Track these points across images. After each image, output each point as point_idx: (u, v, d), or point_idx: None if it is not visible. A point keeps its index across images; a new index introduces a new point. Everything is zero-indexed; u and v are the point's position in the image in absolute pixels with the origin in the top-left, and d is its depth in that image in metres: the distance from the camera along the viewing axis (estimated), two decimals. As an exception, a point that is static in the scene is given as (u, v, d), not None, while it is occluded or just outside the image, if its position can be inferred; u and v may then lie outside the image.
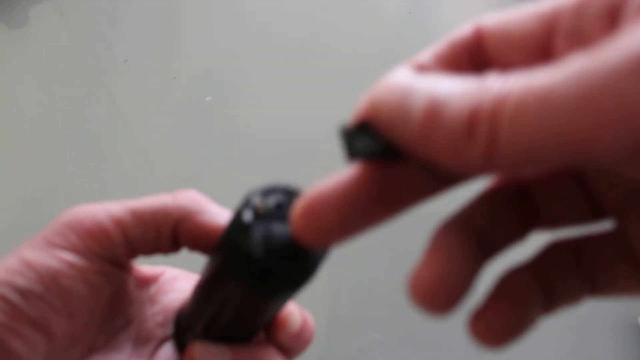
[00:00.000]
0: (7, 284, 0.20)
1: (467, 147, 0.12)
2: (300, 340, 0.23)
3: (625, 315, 0.79)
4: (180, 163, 0.89)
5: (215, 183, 0.85)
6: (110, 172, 0.88)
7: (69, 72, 0.99)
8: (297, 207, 0.14)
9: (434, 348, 0.77)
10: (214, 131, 0.93)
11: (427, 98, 0.13)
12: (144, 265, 0.25)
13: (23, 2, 1.06)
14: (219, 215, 0.22)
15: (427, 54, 0.17)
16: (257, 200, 0.18)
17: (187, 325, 0.23)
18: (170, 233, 0.22)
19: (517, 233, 0.16)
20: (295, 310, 0.23)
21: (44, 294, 0.20)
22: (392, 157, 0.14)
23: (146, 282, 0.25)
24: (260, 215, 0.17)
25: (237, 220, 0.17)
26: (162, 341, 0.24)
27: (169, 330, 0.24)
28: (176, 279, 0.26)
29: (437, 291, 0.14)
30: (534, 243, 0.17)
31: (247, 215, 0.17)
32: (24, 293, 0.20)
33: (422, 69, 0.17)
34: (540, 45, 0.15)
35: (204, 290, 0.21)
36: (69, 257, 0.21)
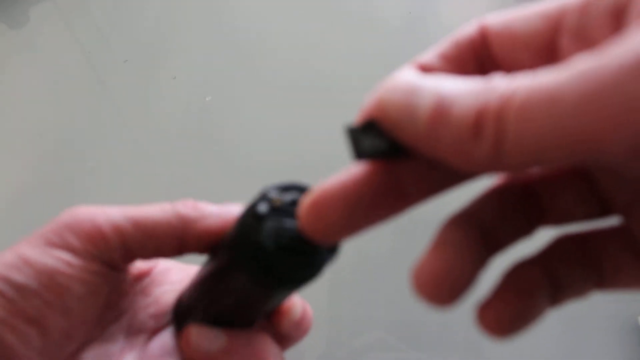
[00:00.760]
0: (3, 279, 0.20)
1: (474, 146, 0.12)
2: (299, 329, 0.24)
3: (625, 314, 0.79)
4: (181, 163, 0.89)
5: (216, 183, 0.85)
6: (110, 172, 0.88)
7: (69, 72, 0.99)
8: (304, 202, 0.15)
9: (436, 347, 0.77)
10: (214, 131, 0.93)
11: (434, 97, 0.13)
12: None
13: (23, 2, 1.06)
14: (223, 214, 0.22)
15: (431, 53, 0.17)
16: (273, 195, 0.18)
17: (187, 311, 0.23)
18: (174, 242, 0.22)
19: (523, 229, 0.17)
20: (297, 301, 0.24)
21: (40, 290, 0.20)
22: (398, 156, 0.15)
23: (139, 276, 0.25)
24: (275, 209, 0.18)
25: (251, 212, 0.18)
26: (155, 332, 0.24)
27: (169, 316, 0.24)
28: (169, 270, 0.27)
29: (440, 284, 0.14)
30: (541, 237, 0.17)
31: (262, 208, 0.18)
32: (20, 288, 0.20)
33: (426, 68, 0.17)
34: (545, 44, 0.15)
35: (208, 278, 0.22)
36: (67, 256, 0.21)
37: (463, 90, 0.13)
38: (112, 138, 0.91)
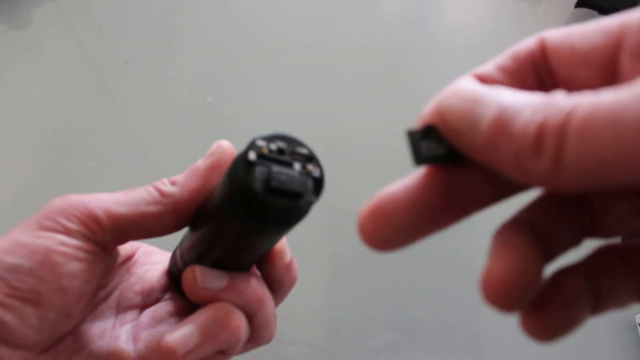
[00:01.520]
0: None
1: (533, 160, 0.12)
2: (289, 273, 0.24)
3: (624, 313, 0.80)
4: (181, 163, 0.89)
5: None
6: (110, 173, 0.89)
7: (70, 72, 0.99)
8: (365, 208, 0.15)
9: (437, 346, 0.77)
10: (215, 131, 0.93)
11: (496, 108, 0.13)
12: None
13: (25, 4, 1.06)
14: (195, 171, 0.23)
15: (489, 65, 0.17)
16: (261, 144, 0.20)
17: (184, 259, 0.24)
18: (171, 217, 0.23)
19: (574, 239, 0.16)
20: (285, 246, 0.24)
21: (35, 269, 0.21)
22: (457, 162, 0.15)
23: (125, 258, 0.26)
24: (264, 156, 0.19)
25: (241, 159, 0.19)
26: (143, 307, 0.25)
27: (159, 285, 0.26)
28: (151, 252, 0.28)
29: (509, 289, 0.14)
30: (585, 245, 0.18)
31: (252, 155, 0.19)
32: (13, 268, 0.21)
33: (484, 80, 0.17)
34: (605, 62, 0.15)
35: (203, 223, 0.23)
36: (61, 237, 0.22)
37: (525, 103, 0.13)
38: (113, 138, 0.92)
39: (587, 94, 0.12)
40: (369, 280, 0.80)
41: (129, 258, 0.27)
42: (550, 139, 0.12)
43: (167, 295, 0.26)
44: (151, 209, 0.23)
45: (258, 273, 0.25)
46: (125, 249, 0.26)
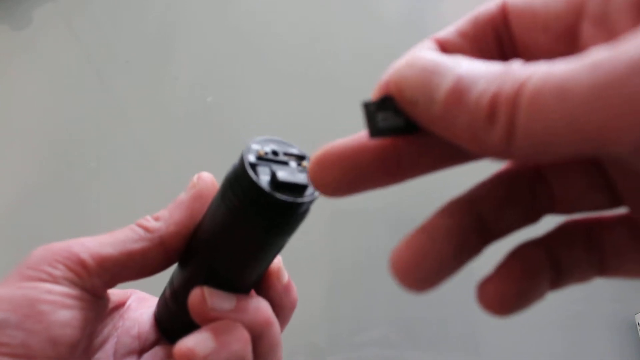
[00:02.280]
0: None
1: (487, 131, 0.12)
2: (288, 296, 0.24)
3: (623, 313, 0.80)
4: (181, 163, 0.89)
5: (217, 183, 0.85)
6: (111, 173, 0.89)
7: (70, 72, 0.99)
8: (312, 158, 0.16)
9: (435, 345, 0.77)
10: (215, 131, 0.93)
11: (452, 78, 0.13)
12: (113, 290, 0.25)
13: (25, 4, 1.06)
14: (180, 204, 0.23)
15: (450, 29, 0.17)
16: (256, 147, 0.21)
17: (178, 297, 0.24)
18: (159, 254, 0.22)
19: (529, 216, 0.16)
20: (281, 265, 0.24)
21: (22, 322, 0.20)
22: (413, 133, 0.15)
23: (117, 305, 0.25)
24: (261, 158, 0.20)
25: (242, 163, 0.20)
26: (142, 352, 0.24)
27: (153, 329, 0.25)
28: (144, 299, 0.27)
29: (413, 269, 0.14)
30: (547, 220, 0.17)
31: (251, 157, 0.20)
32: None
33: (444, 44, 0.17)
34: (565, 28, 0.15)
35: (198, 251, 0.22)
36: (46, 285, 0.20)
37: (482, 73, 0.13)
38: (113, 138, 0.92)
39: (542, 63, 0.12)
40: (369, 280, 0.80)
41: (122, 304, 0.26)
42: (503, 109, 0.12)
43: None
44: (137, 246, 0.22)
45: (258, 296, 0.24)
46: (117, 294, 0.25)
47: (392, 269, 0.15)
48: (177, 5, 1.08)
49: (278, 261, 0.24)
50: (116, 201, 0.86)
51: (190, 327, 0.22)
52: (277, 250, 0.23)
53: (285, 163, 0.20)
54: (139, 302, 0.26)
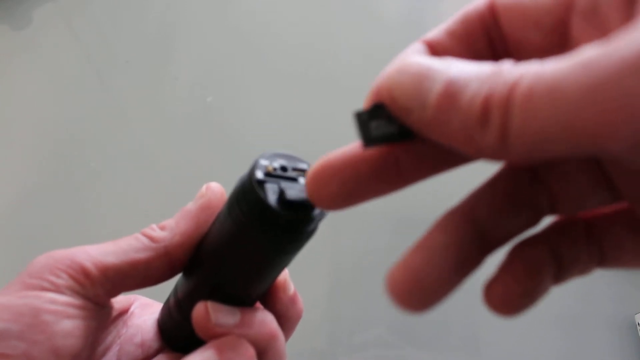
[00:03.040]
0: None
1: (481, 133, 0.12)
2: (294, 307, 0.24)
3: (623, 313, 0.80)
4: (181, 163, 0.89)
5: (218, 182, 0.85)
6: (111, 173, 0.89)
7: (70, 72, 0.99)
8: (309, 171, 0.15)
9: (436, 345, 0.77)
10: (215, 131, 0.93)
11: (443, 82, 0.13)
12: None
13: (25, 4, 1.06)
14: (186, 214, 0.22)
15: (439, 30, 0.16)
16: (265, 162, 0.20)
17: (182, 307, 0.23)
18: (163, 264, 0.22)
19: (530, 219, 0.16)
20: (287, 278, 0.24)
21: (24, 332, 0.19)
22: (408, 139, 0.15)
23: (120, 312, 0.25)
24: (269, 174, 0.20)
25: (250, 179, 0.19)
26: (145, 359, 0.24)
27: (156, 336, 0.25)
28: (148, 305, 0.27)
29: (412, 290, 0.14)
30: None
31: (260, 174, 0.19)
32: (0, 334, 0.19)
33: (433, 46, 0.16)
34: (555, 23, 0.15)
35: (203, 262, 0.22)
36: (49, 294, 0.20)
37: (473, 75, 0.12)
38: (113, 138, 0.92)
39: (533, 63, 0.12)
40: (369, 280, 0.80)
41: (125, 311, 0.25)
42: (495, 111, 0.12)
43: None
44: (141, 256, 0.22)
45: (263, 308, 0.24)
46: (120, 301, 0.25)
47: (389, 291, 0.14)
48: (177, 5, 1.08)
49: (284, 273, 0.23)
50: (116, 201, 0.86)
51: (193, 336, 0.22)
52: (284, 266, 0.22)
53: (294, 179, 0.20)
54: (143, 309, 0.26)
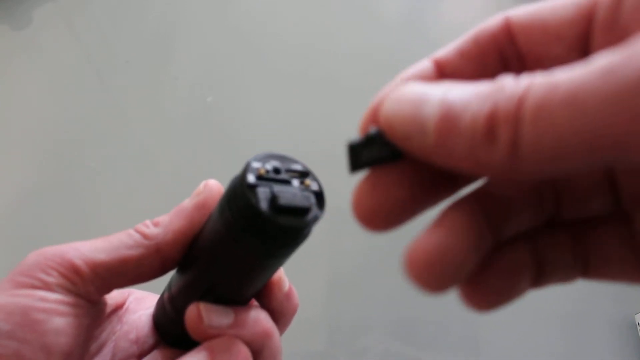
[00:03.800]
0: None
1: (489, 151, 0.12)
2: (289, 302, 0.23)
3: (622, 313, 0.80)
4: (181, 163, 0.89)
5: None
6: (111, 173, 0.89)
7: (70, 72, 0.99)
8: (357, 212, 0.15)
9: (435, 346, 0.77)
10: (215, 131, 0.93)
11: (439, 105, 0.12)
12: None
13: (26, 4, 1.06)
14: (181, 212, 0.22)
15: (449, 49, 0.16)
16: (257, 165, 0.19)
17: (175, 304, 0.23)
18: (155, 261, 0.22)
19: (531, 218, 0.16)
20: (282, 275, 0.24)
21: (15, 330, 0.19)
22: (395, 161, 0.14)
23: (115, 307, 0.25)
24: (261, 177, 0.19)
25: (240, 183, 0.19)
26: (140, 356, 0.24)
27: (151, 332, 0.24)
28: (143, 298, 0.26)
29: (434, 266, 0.13)
30: None
31: (251, 177, 0.19)
32: None
33: (443, 65, 0.16)
34: (578, 34, 0.14)
35: (196, 261, 0.22)
36: (40, 292, 0.20)
37: (471, 94, 0.12)
38: (113, 138, 0.92)
39: (538, 74, 0.12)
40: (368, 280, 0.80)
41: (120, 306, 0.25)
42: (503, 126, 0.11)
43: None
44: (132, 252, 0.21)
45: (257, 305, 0.24)
46: (114, 297, 0.25)
47: (409, 270, 0.14)
48: (177, 5, 1.08)
49: (279, 271, 0.23)
50: (116, 201, 0.86)
51: (187, 333, 0.22)
52: (277, 267, 0.22)
53: (287, 182, 0.19)
54: (138, 303, 0.26)
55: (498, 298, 0.15)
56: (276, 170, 0.19)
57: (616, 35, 0.13)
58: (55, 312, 0.20)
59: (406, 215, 0.15)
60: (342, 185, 0.75)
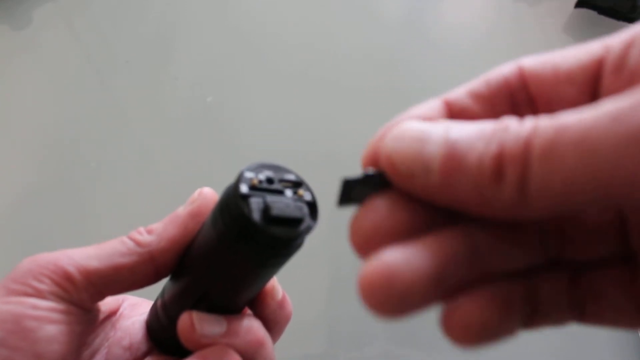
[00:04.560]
0: None
1: (495, 190, 0.12)
2: (283, 310, 0.23)
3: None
4: (181, 163, 0.89)
5: (217, 184, 0.85)
6: (111, 173, 0.89)
7: (70, 72, 0.99)
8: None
9: (435, 347, 0.77)
10: (215, 131, 0.93)
11: (443, 143, 0.13)
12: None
13: (25, 4, 1.06)
14: (175, 220, 0.22)
15: (460, 90, 0.16)
16: (249, 175, 0.19)
17: (168, 312, 0.23)
18: (148, 268, 0.22)
19: (533, 252, 0.15)
20: (276, 283, 0.24)
21: (6, 338, 0.19)
22: (381, 190, 0.14)
23: (109, 314, 0.25)
24: (254, 187, 0.19)
25: (233, 193, 0.19)
26: None
27: (144, 340, 0.24)
28: (137, 305, 0.26)
29: (388, 288, 0.13)
30: None
31: (244, 188, 0.19)
32: None
33: (452, 105, 0.16)
34: (589, 78, 0.15)
35: (189, 269, 0.22)
36: (32, 300, 0.20)
37: (475, 134, 0.12)
38: (113, 138, 0.92)
39: (542, 117, 0.12)
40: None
41: (114, 312, 0.25)
42: (511, 166, 0.12)
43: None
44: (125, 260, 0.21)
45: (250, 313, 0.24)
46: (108, 303, 0.25)
47: (365, 289, 0.13)
48: (177, 5, 1.08)
49: (272, 280, 0.23)
50: (116, 201, 0.86)
51: (180, 340, 0.22)
52: (270, 277, 0.22)
53: (280, 192, 0.19)
54: (132, 309, 0.26)
55: (483, 333, 0.14)
56: (269, 180, 0.19)
57: (624, 77, 0.14)
58: (47, 319, 0.20)
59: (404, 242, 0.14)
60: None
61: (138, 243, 0.22)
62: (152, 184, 0.88)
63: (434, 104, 0.16)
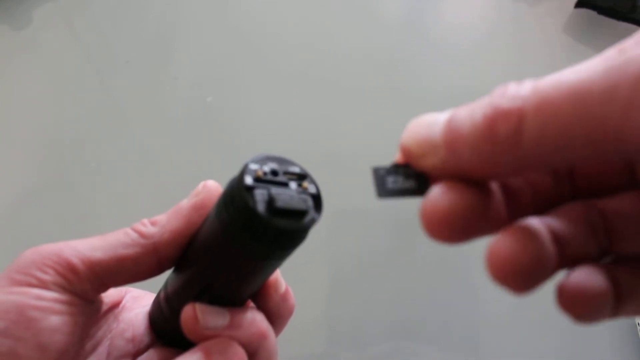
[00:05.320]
0: None
1: (493, 145, 0.13)
2: (286, 303, 0.23)
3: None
4: (182, 164, 0.89)
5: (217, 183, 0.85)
6: (111, 173, 0.89)
7: (70, 72, 0.99)
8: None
9: (435, 346, 0.77)
10: (215, 131, 0.93)
11: (445, 120, 0.14)
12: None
13: (25, 4, 1.07)
14: (179, 212, 0.22)
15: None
16: (254, 167, 0.19)
17: (172, 303, 0.23)
18: (151, 260, 0.22)
19: (587, 251, 0.16)
20: (279, 276, 0.24)
21: (10, 328, 0.19)
22: (418, 195, 0.15)
23: (111, 306, 0.25)
24: (259, 179, 0.19)
25: (238, 185, 0.19)
26: (136, 355, 0.24)
27: (147, 330, 0.24)
28: (140, 297, 0.26)
29: (520, 265, 0.14)
30: None
31: (249, 179, 0.19)
32: None
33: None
34: (625, 164, 0.16)
35: (193, 261, 0.22)
36: (36, 291, 0.20)
37: (473, 105, 0.13)
38: (113, 138, 0.92)
39: (546, 77, 0.12)
40: (369, 281, 0.80)
41: (117, 304, 0.25)
42: (504, 123, 0.12)
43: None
44: (129, 251, 0.21)
45: (253, 306, 0.24)
46: (111, 295, 0.25)
47: (495, 269, 0.14)
48: (177, 5, 1.08)
49: (276, 272, 0.23)
50: (116, 201, 0.86)
51: (183, 332, 0.22)
52: (273, 269, 0.22)
53: (285, 184, 0.19)
54: (135, 301, 0.26)
55: (593, 311, 0.15)
56: (274, 173, 0.19)
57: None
58: (50, 310, 0.20)
59: (477, 228, 0.15)
60: (342, 185, 0.75)
61: (142, 234, 0.22)
62: (152, 183, 0.88)
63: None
